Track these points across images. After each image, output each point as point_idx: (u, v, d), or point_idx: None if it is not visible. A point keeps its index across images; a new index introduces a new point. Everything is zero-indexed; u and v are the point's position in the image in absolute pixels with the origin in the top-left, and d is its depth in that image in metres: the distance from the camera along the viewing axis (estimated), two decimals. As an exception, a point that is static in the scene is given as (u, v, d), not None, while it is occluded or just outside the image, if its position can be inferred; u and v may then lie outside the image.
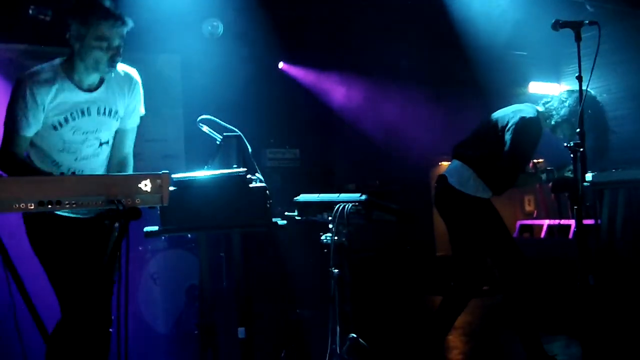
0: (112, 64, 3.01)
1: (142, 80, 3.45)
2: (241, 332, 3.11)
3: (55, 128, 3.04)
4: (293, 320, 5.78)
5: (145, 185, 2.24)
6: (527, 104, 4.11)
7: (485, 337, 5.43)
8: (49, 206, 2.11)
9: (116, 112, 3.23)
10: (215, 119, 3.57)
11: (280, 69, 7.82)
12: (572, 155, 3.29)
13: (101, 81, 3.14)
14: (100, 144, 3.23)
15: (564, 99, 3.97)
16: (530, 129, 3.90)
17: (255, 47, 7.08)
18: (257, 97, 7.28)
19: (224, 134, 3.50)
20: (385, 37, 7.10)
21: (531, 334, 3.94)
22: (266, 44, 7.22)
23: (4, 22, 5.60)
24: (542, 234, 6.68)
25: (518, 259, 3.93)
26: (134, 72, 3.35)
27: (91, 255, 3.08)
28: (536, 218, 7.83)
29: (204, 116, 3.58)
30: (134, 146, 3.59)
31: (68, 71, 3.04)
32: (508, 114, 4.00)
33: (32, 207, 2.09)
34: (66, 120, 3.05)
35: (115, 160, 3.38)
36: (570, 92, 4.01)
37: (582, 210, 3.23)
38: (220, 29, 6.98)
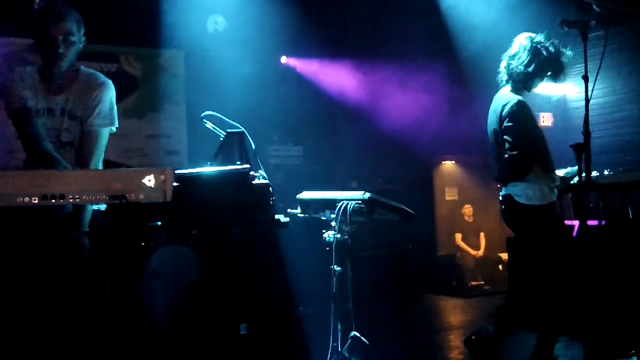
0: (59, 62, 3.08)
1: (146, 76, 3.44)
2: (242, 328, 3.10)
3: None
4: (294, 318, 5.78)
5: (149, 181, 2.23)
6: (501, 96, 4.01)
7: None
8: (52, 200, 2.11)
9: (76, 114, 3.24)
10: (219, 115, 3.57)
11: (283, 63, 7.83)
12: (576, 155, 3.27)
13: (69, 84, 3.19)
14: (62, 145, 3.24)
15: (518, 58, 3.90)
16: (520, 112, 3.80)
17: (259, 43, 7.08)
18: (260, 94, 7.28)
19: (227, 130, 3.50)
20: (391, 35, 7.09)
21: (552, 336, 3.94)
22: (270, 40, 7.22)
23: (9, 16, 5.61)
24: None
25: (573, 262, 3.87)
26: (104, 78, 3.35)
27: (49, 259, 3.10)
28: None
29: (207, 112, 3.57)
30: (135, 142, 3.56)
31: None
32: (496, 114, 3.92)
33: (36, 201, 2.09)
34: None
35: (78, 163, 3.34)
36: (519, 48, 3.93)
37: (585, 211, 3.22)
38: (224, 24, 6.98)
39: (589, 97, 3.37)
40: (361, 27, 7.12)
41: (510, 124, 3.80)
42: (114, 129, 3.32)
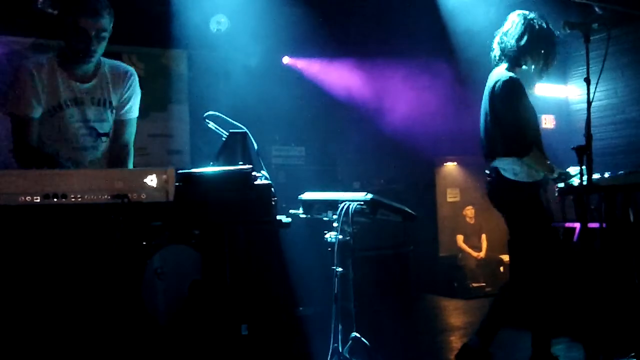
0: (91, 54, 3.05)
1: (149, 76, 3.47)
2: (244, 328, 3.10)
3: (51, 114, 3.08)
4: (295, 318, 5.79)
5: (151, 181, 2.24)
6: (496, 72, 4.00)
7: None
8: (55, 200, 2.12)
9: (110, 103, 3.24)
10: (222, 115, 3.57)
11: (286, 63, 7.84)
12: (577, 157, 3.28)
13: (94, 73, 3.17)
14: (98, 135, 3.24)
15: (512, 35, 3.90)
16: (511, 87, 3.78)
17: (262, 43, 7.09)
18: (263, 94, 7.28)
19: (230, 130, 3.50)
20: (394, 35, 7.09)
21: (544, 333, 3.95)
22: (273, 40, 7.22)
23: (12, 15, 5.62)
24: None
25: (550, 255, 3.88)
26: (129, 67, 3.37)
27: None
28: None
29: (210, 112, 3.58)
30: (138, 141, 3.59)
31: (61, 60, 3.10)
32: (490, 93, 3.90)
33: (38, 200, 2.10)
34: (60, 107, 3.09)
35: (114, 152, 3.38)
36: (512, 25, 3.92)
37: (586, 213, 3.22)
38: (227, 24, 6.99)
39: (591, 99, 3.38)
40: (365, 26, 7.12)
41: (503, 101, 3.79)
42: None
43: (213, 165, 3.33)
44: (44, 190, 2.09)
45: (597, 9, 6.64)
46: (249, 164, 3.25)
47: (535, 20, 3.89)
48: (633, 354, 3.90)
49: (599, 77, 3.36)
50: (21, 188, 2.06)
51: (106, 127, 3.26)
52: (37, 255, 3.12)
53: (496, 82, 3.86)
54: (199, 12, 6.81)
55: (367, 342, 3.59)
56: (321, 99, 7.56)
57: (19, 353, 2.69)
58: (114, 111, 3.27)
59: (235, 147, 3.44)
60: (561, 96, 8.26)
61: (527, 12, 3.93)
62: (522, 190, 3.86)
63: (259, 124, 6.74)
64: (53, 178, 2.12)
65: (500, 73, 3.91)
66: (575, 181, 3.76)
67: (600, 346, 3.56)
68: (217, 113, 3.60)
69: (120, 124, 3.33)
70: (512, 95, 3.79)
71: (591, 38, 3.37)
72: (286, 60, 7.92)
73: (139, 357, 3.21)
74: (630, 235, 4.10)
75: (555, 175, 3.87)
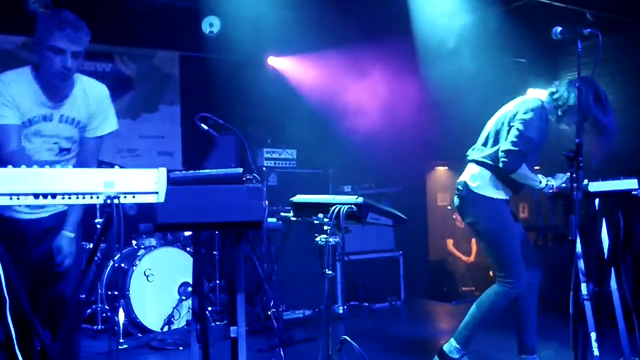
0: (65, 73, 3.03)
1: (141, 77, 3.44)
2: (233, 331, 3.09)
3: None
4: (285, 321, 5.78)
5: (142, 181, 2.23)
6: (530, 97, 4.12)
7: (485, 337, 5.42)
8: (44, 199, 2.10)
9: (79, 122, 3.22)
10: (214, 117, 3.57)
11: (278, 65, 7.86)
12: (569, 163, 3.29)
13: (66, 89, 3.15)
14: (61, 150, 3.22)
15: (571, 87, 3.97)
16: (536, 117, 3.91)
17: (253, 45, 7.09)
18: (255, 96, 7.28)
19: (222, 132, 3.50)
20: (386, 38, 7.11)
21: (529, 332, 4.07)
22: (264, 42, 7.23)
23: (3, 14, 5.59)
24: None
25: (516, 269, 3.96)
26: (97, 82, 3.33)
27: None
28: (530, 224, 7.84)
29: (202, 114, 3.57)
30: (129, 142, 3.56)
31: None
32: (514, 108, 4.02)
33: (27, 200, 2.08)
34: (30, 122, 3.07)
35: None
36: (573, 81, 4.01)
37: (577, 218, 3.23)
38: (219, 26, 6.98)
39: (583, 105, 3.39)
40: (356, 30, 7.13)
41: (523, 118, 3.91)
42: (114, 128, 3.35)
43: (204, 167, 3.33)
44: (33, 189, 2.07)
45: (588, 16, 6.69)
46: (240, 166, 3.24)
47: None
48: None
49: (590, 83, 3.37)
50: (10, 187, 2.05)
51: (68, 143, 3.21)
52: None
53: (523, 104, 4.01)
54: (191, 13, 6.81)
55: (356, 345, 3.58)
56: (313, 101, 7.57)
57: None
58: (81, 128, 3.23)
59: (226, 149, 3.43)
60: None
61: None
62: (491, 206, 4.02)
63: (250, 126, 6.77)
64: (42, 177, 2.10)
65: (532, 99, 4.07)
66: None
67: (589, 350, 3.57)
68: (208, 115, 3.59)
69: (91, 142, 3.28)
70: (534, 122, 3.92)
71: (582, 44, 3.38)
72: (278, 62, 7.92)
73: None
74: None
75: (543, 185, 3.96)
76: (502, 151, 3.90)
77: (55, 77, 3.01)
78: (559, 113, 4.01)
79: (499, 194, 4.04)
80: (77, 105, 3.17)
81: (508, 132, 3.95)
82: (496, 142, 4.04)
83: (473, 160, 4.16)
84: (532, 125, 3.90)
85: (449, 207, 4.28)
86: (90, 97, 3.21)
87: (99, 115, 3.25)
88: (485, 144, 4.14)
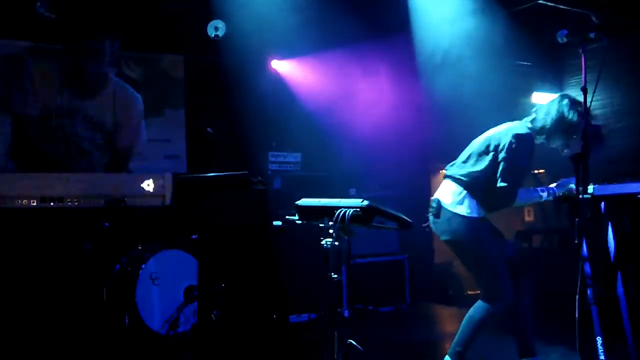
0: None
1: (146, 80, 3.45)
2: (239, 334, 3.10)
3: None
4: (290, 324, 5.78)
5: (148, 185, 2.24)
6: (518, 122, 4.11)
7: (485, 338, 5.41)
8: (51, 203, 2.11)
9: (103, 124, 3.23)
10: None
11: (283, 69, 7.87)
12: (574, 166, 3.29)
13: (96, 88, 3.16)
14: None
15: (546, 111, 3.98)
16: (524, 146, 3.90)
17: (259, 49, 7.10)
18: (260, 100, 7.29)
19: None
20: (389, 43, 7.12)
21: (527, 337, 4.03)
22: (270, 46, 7.24)
23: (9, 19, 5.62)
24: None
25: (499, 285, 3.93)
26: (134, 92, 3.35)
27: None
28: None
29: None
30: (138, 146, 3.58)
31: None
32: (501, 134, 3.99)
33: (35, 204, 2.09)
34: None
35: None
36: (552, 102, 4.01)
37: (582, 222, 3.23)
38: (224, 30, 6.99)
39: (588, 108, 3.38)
40: (361, 33, 7.14)
41: (510, 149, 3.88)
42: None
43: (210, 170, 3.33)
44: (41, 193, 2.09)
45: (593, 18, 6.68)
46: (245, 170, 3.25)
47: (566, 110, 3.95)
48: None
49: (596, 86, 3.37)
50: (19, 191, 2.06)
51: (90, 146, 3.23)
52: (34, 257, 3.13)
53: (510, 130, 3.96)
54: (197, 17, 6.82)
55: (361, 349, 3.58)
56: (318, 104, 7.57)
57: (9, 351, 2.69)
58: (108, 135, 3.24)
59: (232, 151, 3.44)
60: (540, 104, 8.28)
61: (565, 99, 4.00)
62: (466, 223, 3.98)
63: (256, 129, 6.79)
64: (50, 182, 2.12)
65: (519, 125, 4.04)
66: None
67: (595, 354, 3.56)
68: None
69: (125, 151, 3.31)
70: (521, 152, 3.90)
71: (588, 47, 3.38)
72: (283, 65, 7.93)
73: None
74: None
75: (543, 194, 3.96)
76: (497, 188, 3.88)
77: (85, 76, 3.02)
78: (543, 140, 4.01)
79: (473, 213, 3.99)
80: (107, 108, 3.19)
81: (493, 161, 3.93)
82: (477, 162, 4.01)
83: (450, 177, 4.13)
84: (519, 154, 3.89)
85: (423, 225, 4.24)
86: (129, 106, 3.24)
87: (137, 126, 3.29)
88: (465, 162, 4.10)
